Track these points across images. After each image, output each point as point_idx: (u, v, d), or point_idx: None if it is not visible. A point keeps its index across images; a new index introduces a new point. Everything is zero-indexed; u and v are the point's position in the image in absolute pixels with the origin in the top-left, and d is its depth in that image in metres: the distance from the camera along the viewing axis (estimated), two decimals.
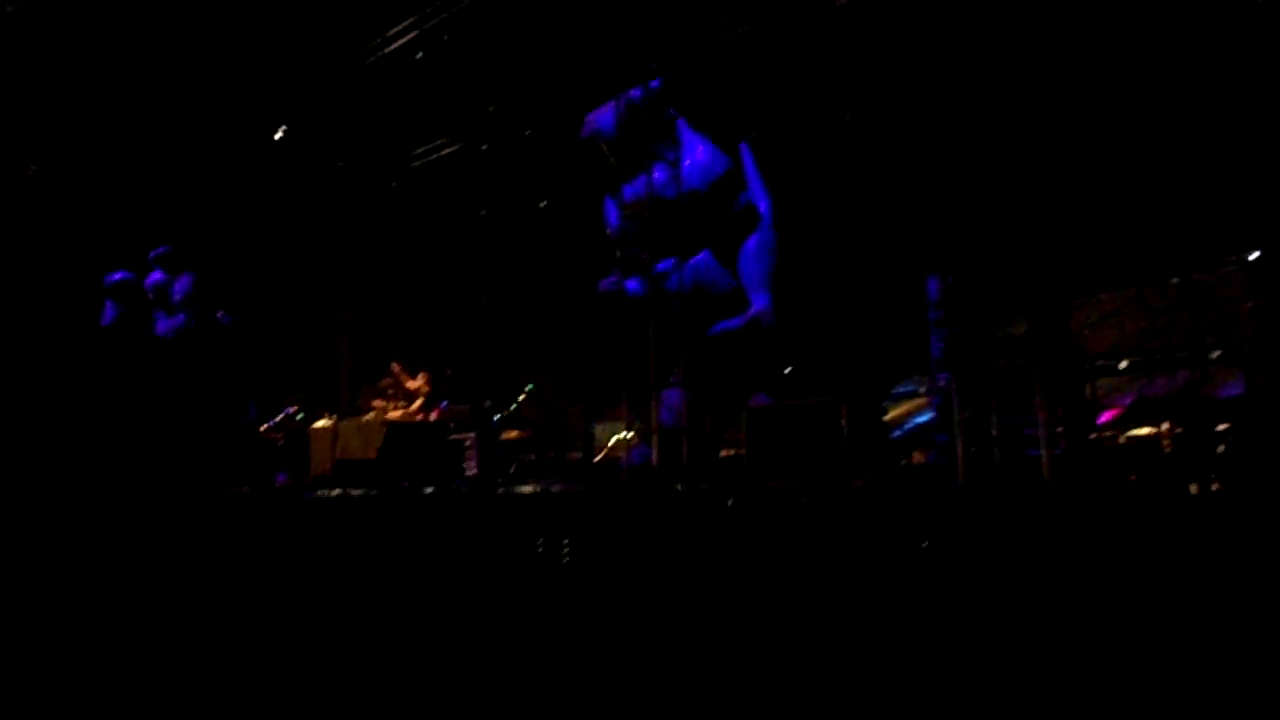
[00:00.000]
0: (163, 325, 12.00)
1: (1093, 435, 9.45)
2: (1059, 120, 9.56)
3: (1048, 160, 9.79)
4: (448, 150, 11.86)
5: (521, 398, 13.37)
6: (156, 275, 12.21)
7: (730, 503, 6.38)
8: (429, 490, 8.94)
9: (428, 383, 11.98)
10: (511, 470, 11.44)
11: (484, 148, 11.21)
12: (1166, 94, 9.28)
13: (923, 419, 11.73)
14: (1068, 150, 9.79)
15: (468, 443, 11.17)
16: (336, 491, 8.87)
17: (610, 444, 11.75)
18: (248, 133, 12.15)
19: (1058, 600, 4.41)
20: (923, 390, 11.31)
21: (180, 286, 12.21)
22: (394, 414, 11.12)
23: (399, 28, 10.23)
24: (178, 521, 8.24)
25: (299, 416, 12.66)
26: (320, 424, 11.31)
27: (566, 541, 6.22)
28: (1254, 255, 9.58)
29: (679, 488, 7.37)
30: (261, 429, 13.20)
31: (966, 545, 5.56)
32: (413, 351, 12.52)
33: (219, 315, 12.90)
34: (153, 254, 12.17)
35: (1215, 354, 10.15)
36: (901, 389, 13.00)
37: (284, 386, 13.87)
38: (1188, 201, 10.26)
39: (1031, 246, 9.31)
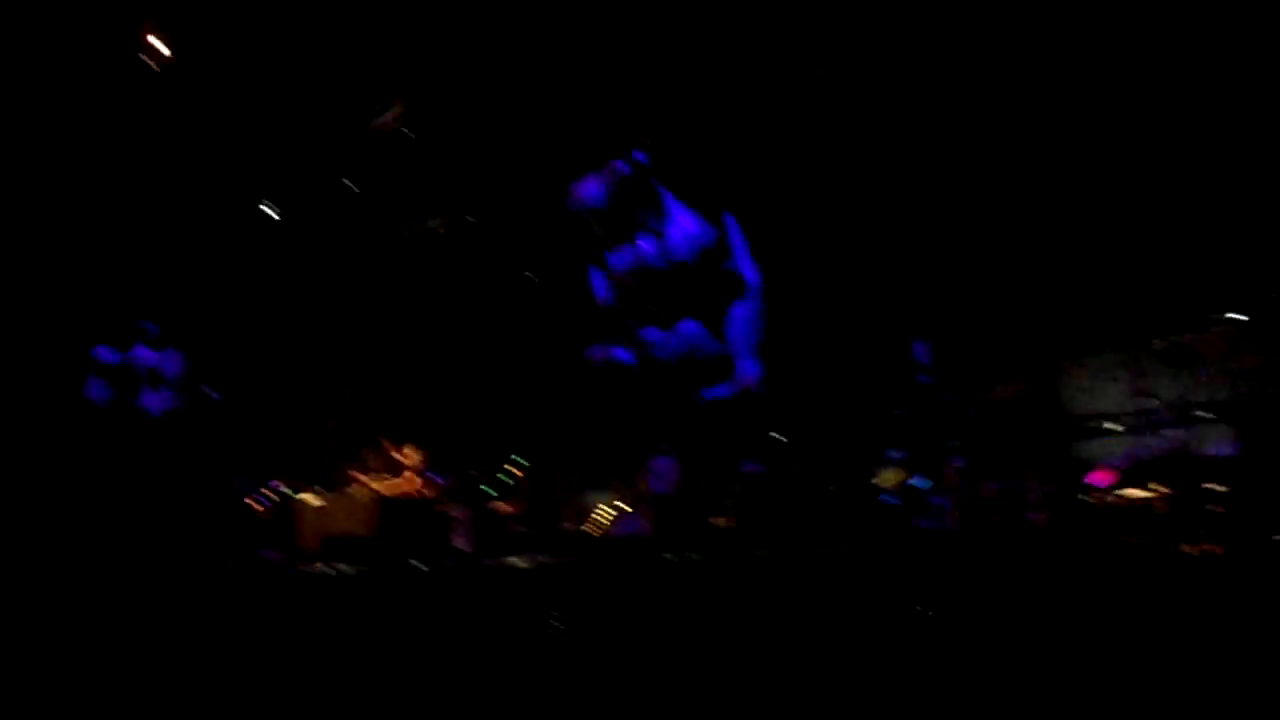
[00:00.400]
0: (152, 403, 11.92)
1: (1086, 497, 9.44)
2: (1040, 187, 9.71)
3: (1033, 227, 9.92)
4: (433, 224, 11.95)
5: (513, 470, 13.30)
6: (145, 353, 12.16)
7: (717, 571, 6.31)
8: (423, 566, 8.84)
9: (419, 457, 11.90)
10: (504, 543, 11.32)
11: (469, 220, 11.30)
12: (1149, 158, 9.46)
13: (916, 483, 11.71)
14: (1052, 216, 9.92)
15: (456, 515, 11.06)
16: (326, 568, 8.77)
17: (602, 514, 11.66)
18: (235, 209, 12.24)
19: (1057, 661, 4.35)
20: (915, 456, 11.31)
21: (170, 365, 12.16)
22: (380, 487, 11.01)
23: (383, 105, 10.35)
24: (162, 597, 8.09)
25: (286, 492, 12.53)
26: (307, 498, 11.20)
27: (557, 614, 6.13)
28: (1241, 316, 9.72)
29: (668, 556, 7.28)
30: (251, 505, 13.06)
31: (967, 607, 5.49)
32: (400, 426, 12.46)
33: (207, 390, 12.82)
34: (142, 332, 12.15)
35: (1206, 415, 10.22)
36: (894, 454, 13.00)
37: (271, 463, 13.76)
38: (1170, 265, 10.39)
39: (1019, 312, 9.38)
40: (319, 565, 9.26)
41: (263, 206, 12.06)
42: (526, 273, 12.18)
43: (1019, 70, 8.59)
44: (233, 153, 11.41)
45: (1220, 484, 8.23)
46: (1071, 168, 9.58)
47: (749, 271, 10.15)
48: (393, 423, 12.64)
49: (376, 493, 10.74)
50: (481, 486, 11.66)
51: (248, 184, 11.91)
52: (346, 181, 11.19)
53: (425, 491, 11.19)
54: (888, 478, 12.74)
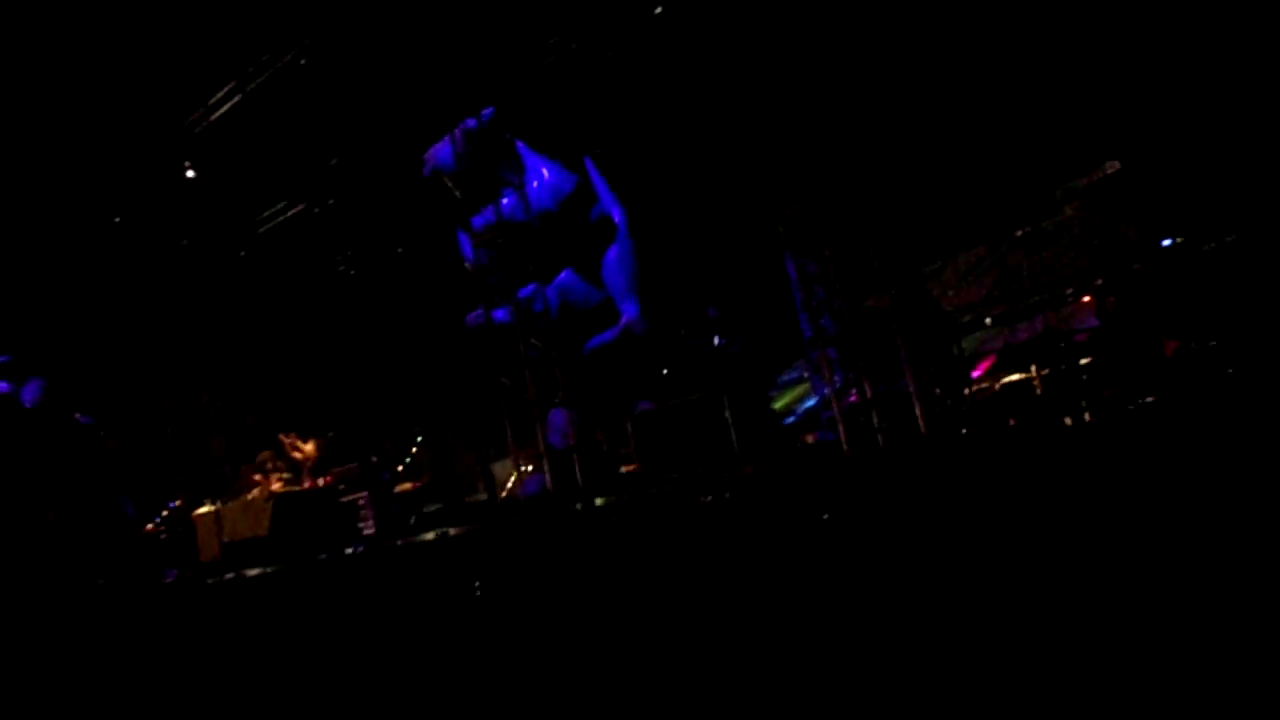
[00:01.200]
0: (15, 434, 11.36)
1: (967, 389, 9.78)
2: (887, 98, 9.88)
3: (885, 137, 10.10)
4: (292, 212, 11.55)
5: (411, 448, 13.11)
6: (1, 386, 11.55)
7: (623, 512, 6.35)
8: (323, 557, 8.67)
9: (318, 449, 11.61)
10: (411, 522, 11.18)
11: (330, 202, 10.96)
12: (979, 56, 9.70)
13: (811, 403, 11.95)
14: (902, 126, 10.12)
15: (361, 502, 10.87)
16: (230, 575, 8.53)
17: (510, 481, 11.60)
18: (79, 222, 11.62)
19: (955, 545, 4.51)
20: (806, 375, 11.54)
21: (29, 393, 11.58)
22: (277, 486, 10.72)
23: (220, 94, 9.89)
24: (58, 630, 7.78)
25: (183, 509, 12.15)
26: (202, 510, 10.84)
27: (477, 583, 6.10)
28: (1084, 181, 10.11)
29: (577, 507, 7.30)
30: (146, 528, 12.64)
31: (862, 510, 5.64)
32: (291, 421, 12.14)
33: (78, 418, 12.28)
34: None
35: (1069, 291, 10.66)
36: (788, 376, 13.23)
37: (162, 481, 13.28)
38: (1018, 156, 10.73)
39: (882, 220, 9.55)
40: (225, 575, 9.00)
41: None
42: (396, 244, 11.90)
43: None
44: (69, 166, 10.82)
45: (1088, 356, 8.62)
46: (910, 77, 9.77)
47: (616, 212, 10.17)
48: (283, 421, 12.31)
49: (273, 491, 10.46)
50: (382, 470, 11.46)
51: (89, 198, 11.31)
52: (190, 173, 10.69)
53: (324, 483, 10.95)
54: (783, 399, 13.00)
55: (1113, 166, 10.17)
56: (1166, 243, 8.17)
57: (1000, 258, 12.05)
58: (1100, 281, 9.28)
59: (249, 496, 10.72)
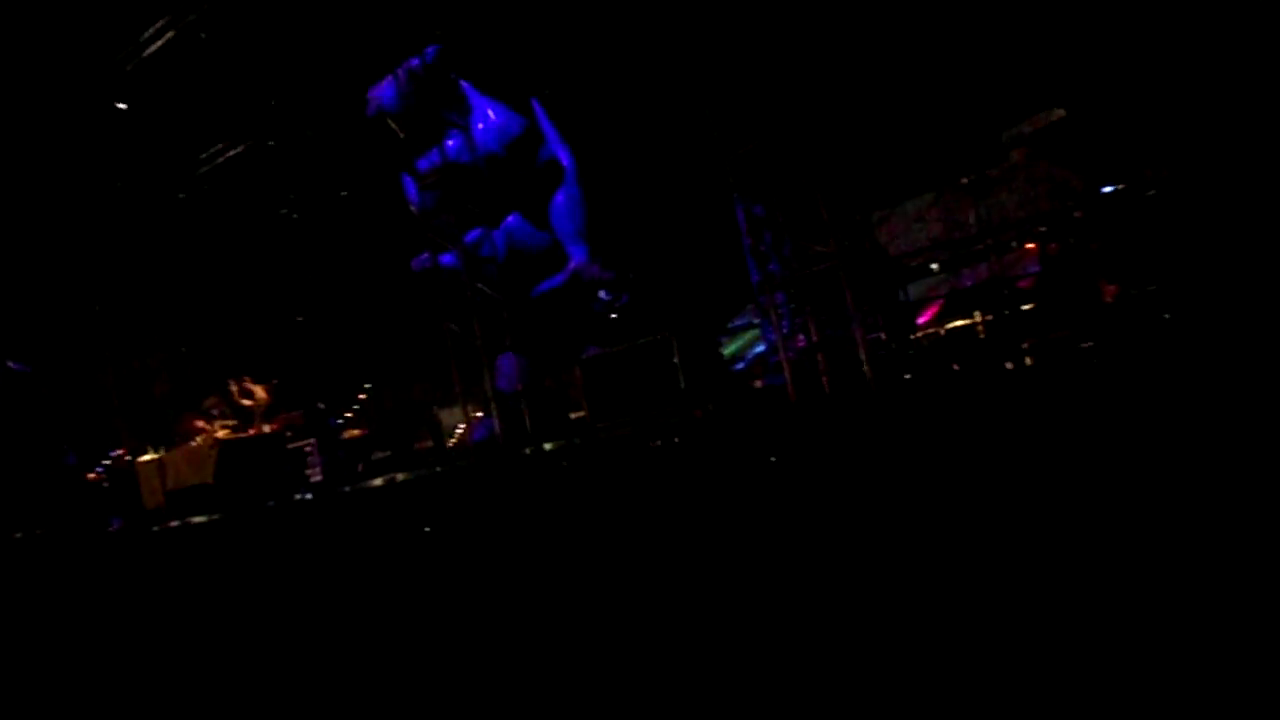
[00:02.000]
0: None
1: (915, 334, 9.92)
2: (837, 45, 9.83)
3: (834, 83, 10.06)
4: (233, 153, 11.24)
5: (359, 394, 13.02)
6: None
7: (570, 459, 6.36)
8: (272, 504, 8.61)
9: (269, 393, 11.42)
10: (359, 469, 11.13)
11: (270, 144, 10.67)
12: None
13: (760, 348, 12.04)
14: (851, 73, 10.09)
15: (308, 449, 10.78)
16: (175, 523, 8.44)
17: (458, 427, 11.56)
18: (9, 165, 11.22)
19: (901, 487, 4.58)
20: (756, 321, 11.61)
21: None
22: (223, 434, 10.58)
23: (151, 31, 9.51)
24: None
25: (126, 457, 11.95)
26: (145, 458, 10.67)
27: (427, 528, 6.10)
28: (1029, 128, 10.22)
29: (526, 452, 7.31)
30: (88, 477, 12.45)
31: (807, 452, 5.72)
32: (238, 366, 11.94)
33: (12, 365, 12.00)
34: None
35: (1013, 239, 10.82)
36: (738, 322, 13.30)
37: (103, 429, 13.05)
38: (966, 102, 10.78)
39: (830, 166, 9.55)
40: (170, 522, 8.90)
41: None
42: (341, 191, 11.66)
43: None
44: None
45: (1030, 302, 8.77)
46: (860, 24, 9.73)
47: (563, 155, 10.06)
48: (233, 363, 12.11)
49: (218, 440, 10.32)
50: (329, 416, 11.35)
51: (17, 142, 10.90)
52: (121, 106, 10.33)
53: (270, 429, 10.82)
54: (733, 345, 13.08)
55: (1058, 114, 10.29)
56: (1108, 189, 8.29)
57: (946, 205, 12.20)
58: (1042, 229, 9.42)
59: (194, 443, 10.57)
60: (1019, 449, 4.68)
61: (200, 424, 10.69)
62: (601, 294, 9.43)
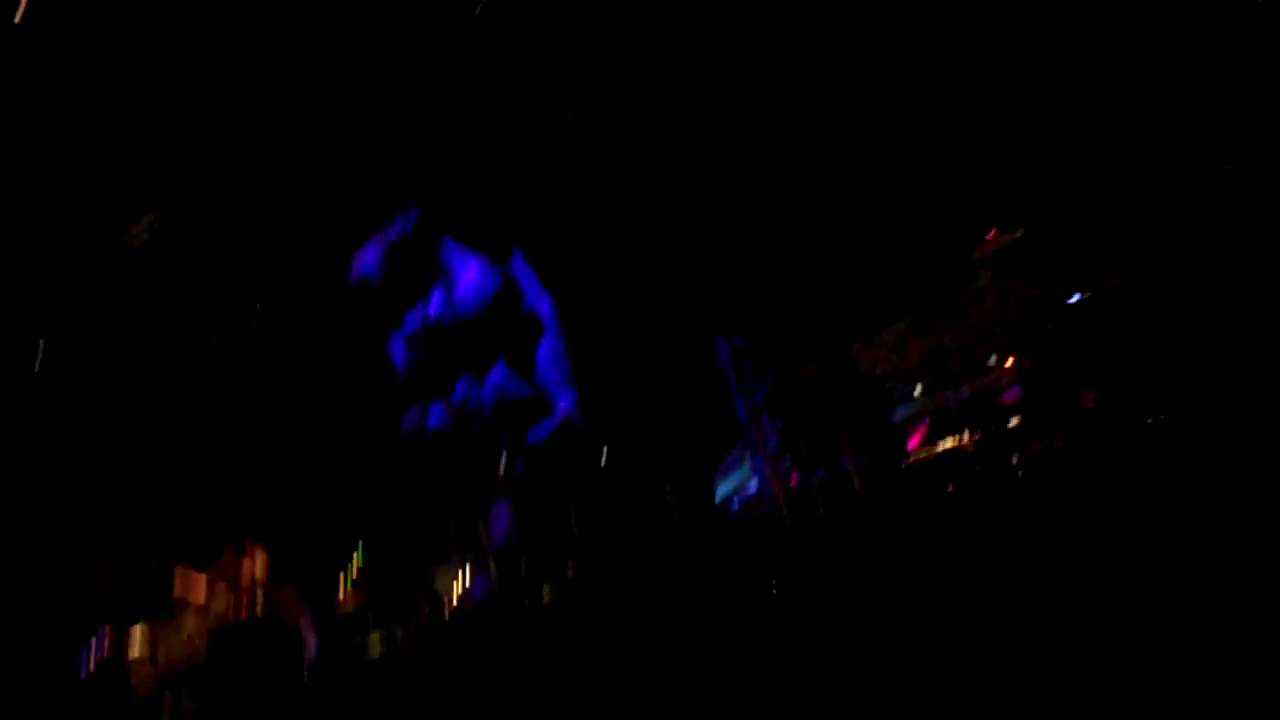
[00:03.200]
0: None
1: (907, 460, 9.95)
2: (802, 187, 10.21)
3: (805, 220, 10.40)
4: (222, 331, 11.41)
5: (355, 559, 12.79)
6: None
7: (572, 608, 6.28)
8: (265, 691, 8.41)
9: (260, 562, 11.23)
10: (355, 643, 10.85)
11: (255, 323, 10.85)
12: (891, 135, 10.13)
13: (754, 487, 11.98)
14: (814, 209, 10.44)
15: (301, 623, 10.55)
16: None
17: (454, 587, 11.36)
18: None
19: (902, 601, 4.55)
20: (748, 458, 11.61)
21: None
22: (217, 606, 10.34)
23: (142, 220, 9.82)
24: None
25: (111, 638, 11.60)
26: (135, 641, 10.37)
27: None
28: (992, 249, 10.51)
29: (526, 603, 7.21)
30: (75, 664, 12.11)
31: (805, 578, 5.67)
32: (231, 534, 11.78)
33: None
34: None
35: (991, 360, 11.00)
36: (733, 458, 13.26)
37: (92, 603, 12.72)
38: (931, 235, 11.13)
39: (807, 302, 9.77)
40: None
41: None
42: (327, 355, 11.76)
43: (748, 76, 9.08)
44: None
45: (1016, 415, 8.86)
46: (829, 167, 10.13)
47: (543, 305, 10.26)
48: (226, 530, 11.92)
49: (209, 615, 10.10)
50: (325, 586, 11.15)
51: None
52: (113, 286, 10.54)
53: (266, 601, 10.60)
54: (728, 485, 13.01)
55: (1019, 232, 10.62)
56: (1074, 299, 8.48)
57: (922, 330, 12.43)
58: (1006, 348, 9.62)
59: (186, 622, 10.32)
60: (1018, 563, 4.69)
61: (193, 596, 10.47)
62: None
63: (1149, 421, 6.86)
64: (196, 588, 10.62)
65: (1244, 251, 7.20)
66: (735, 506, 11.48)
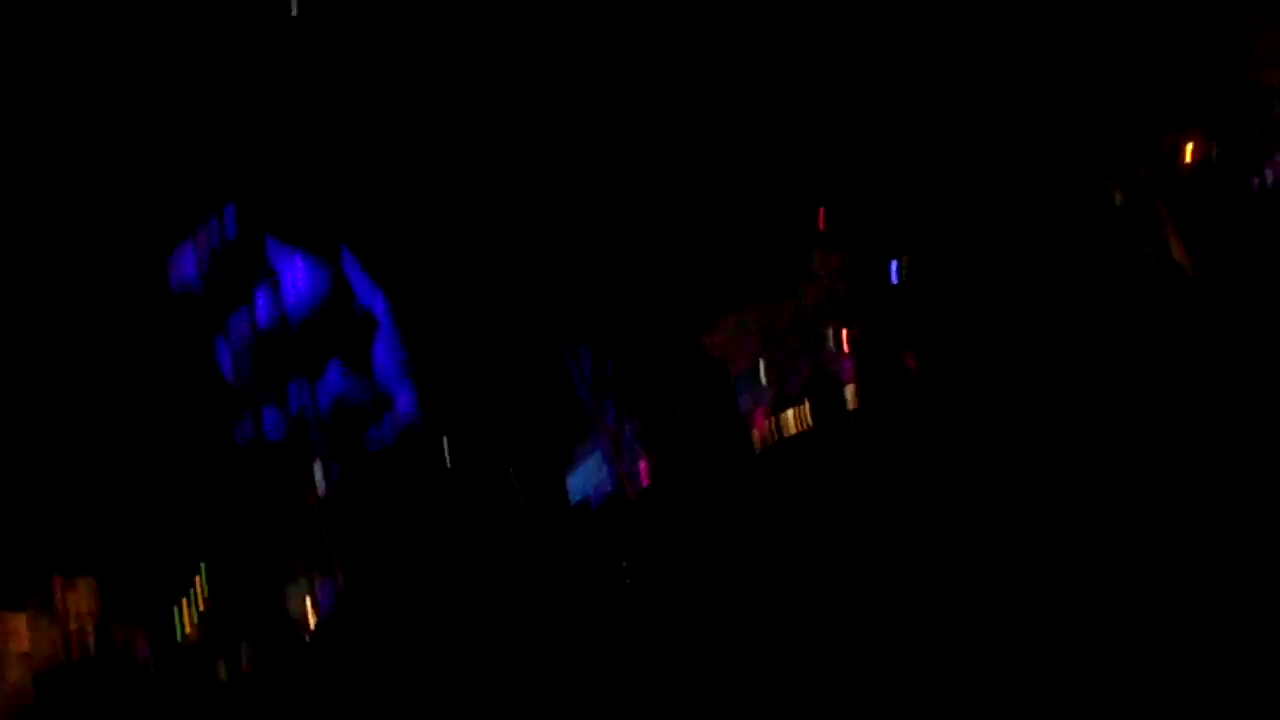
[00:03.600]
0: None
1: (751, 434, 10.25)
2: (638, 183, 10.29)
3: (647, 219, 10.50)
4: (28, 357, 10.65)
5: (197, 588, 12.17)
6: None
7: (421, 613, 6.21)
8: None
9: (90, 596, 10.45)
10: (200, 678, 10.27)
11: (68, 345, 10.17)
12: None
13: (606, 482, 12.06)
14: (661, 210, 10.55)
15: (144, 656, 9.96)
16: None
17: (305, 607, 10.94)
18: None
19: (751, 567, 4.68)
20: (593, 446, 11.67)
21: None
22: (44, 651, 9.58)
23: None
24: None
25: None
26: None
27: None
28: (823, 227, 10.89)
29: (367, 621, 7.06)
30: None
31: (653, 556, 5.75)
32: (56, 564, 10.97)
33: None
34: None
35: (830, 341, 11.44)
36: (586, 451, 13.28)
37: None
38: (765, 212, 11.41)
39: (650, 295, 9.86)
40: None
41: None
42: (150, 368, 11.13)
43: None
44: None
45: (850, 383, 9.24)
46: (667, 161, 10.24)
47: (376, 302, 10.01)
48: (50, 560, 11.07)
49: (30, 658, 9.34)
50: (164, 621, 10.55)
51: None
52: None
53: (93, 638, 9.93)
54: (581, 477, 13.02)
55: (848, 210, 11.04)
56: (893, 272, 8.90)
57: (762, 318, 12.79)
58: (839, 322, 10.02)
59: (7, 667, 9.55)
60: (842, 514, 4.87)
61: (14, 627, 9.64)
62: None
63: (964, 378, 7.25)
64: (18, 633, 9.83)
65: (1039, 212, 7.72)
66: (594, 504, 11.49)
